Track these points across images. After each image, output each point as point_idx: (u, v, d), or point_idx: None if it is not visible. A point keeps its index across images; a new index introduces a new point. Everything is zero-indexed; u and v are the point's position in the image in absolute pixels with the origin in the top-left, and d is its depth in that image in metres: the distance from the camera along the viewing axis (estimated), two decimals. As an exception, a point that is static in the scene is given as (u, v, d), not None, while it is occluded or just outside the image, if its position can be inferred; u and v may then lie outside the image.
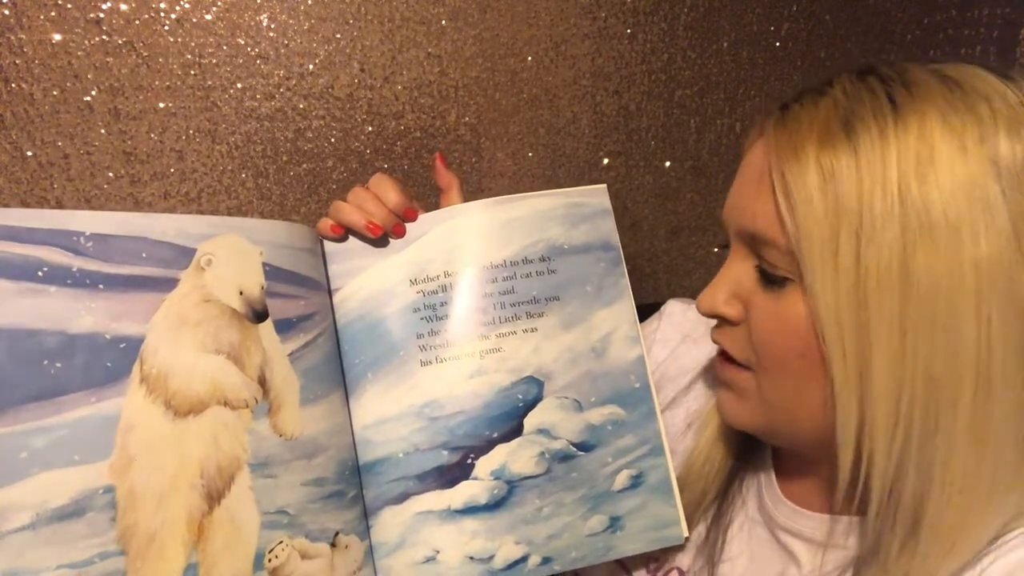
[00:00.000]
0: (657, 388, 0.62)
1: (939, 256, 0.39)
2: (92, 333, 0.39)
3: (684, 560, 0.58)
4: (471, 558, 0.51)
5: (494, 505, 0.52)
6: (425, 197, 0.85)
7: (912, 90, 0.41)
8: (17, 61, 0.74)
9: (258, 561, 0.44)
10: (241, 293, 0.45)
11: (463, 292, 0.53)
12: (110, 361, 0.40)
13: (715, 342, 0.52)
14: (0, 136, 0.75)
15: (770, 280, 0.45)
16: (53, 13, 0.74)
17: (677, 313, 0.68)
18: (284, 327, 0.48)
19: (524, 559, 0.52)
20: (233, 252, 0.45)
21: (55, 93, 0.76)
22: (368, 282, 0.54)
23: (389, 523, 0.52)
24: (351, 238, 0.54)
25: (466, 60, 0.85)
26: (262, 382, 0.46)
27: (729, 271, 0.49)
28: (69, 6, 0.74)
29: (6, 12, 0.73)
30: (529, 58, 0.87)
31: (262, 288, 0.47)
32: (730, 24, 0.91)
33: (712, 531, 0.57)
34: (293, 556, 0.45)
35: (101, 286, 0.40)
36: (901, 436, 0.41)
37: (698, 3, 0.90)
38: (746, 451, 0.58)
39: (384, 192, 0.53)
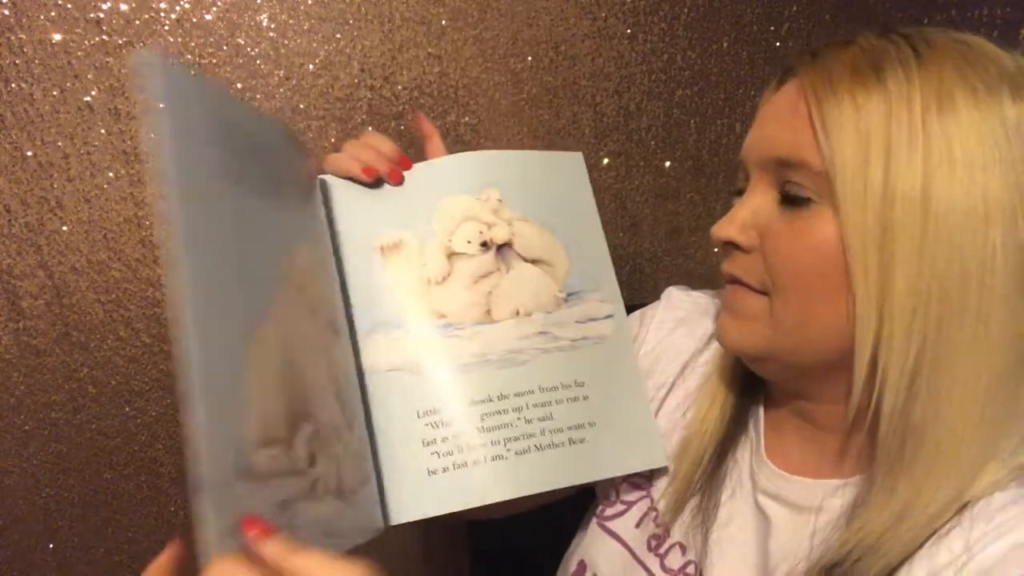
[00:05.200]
0: (651, 369, 0.64)
1: (955, 183, 0.43)
2: None
3: (684, 534, 0.60)
4: None
5: None
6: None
7: (931, 44, 0.47)
8: (17, 61, 0.74)
9: None
10: None
11: None
12: None
13: (726, 273, 0.53)
14: (0, 136, 0.75)
15: (793, 201, 0.48)
16: (53, 13, 0.74)
17: (675, 298, 0.70)
18: None
19: None
20: None
21: (55, 93, 0.76)
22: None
23: None
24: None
25: (466, 60, 0.85)
26: None
27: (747, 202, 0.51)
28: (69, 6, 0.74)
29: (6, 12, 0.73)
30: (529, 58, 0.87)
31: None
32: (730, 24, 0.91)
33: (705, 499, 0.58)
34: None
35: None
36: (915, 351, 0.45)
37: (698, 3, 0.90)
38: (742, 415, 0.60)
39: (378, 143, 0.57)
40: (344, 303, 0.55)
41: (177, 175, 0.37)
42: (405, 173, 0.56)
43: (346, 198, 0.56)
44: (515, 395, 0.54)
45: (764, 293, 0.50)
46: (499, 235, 0.56)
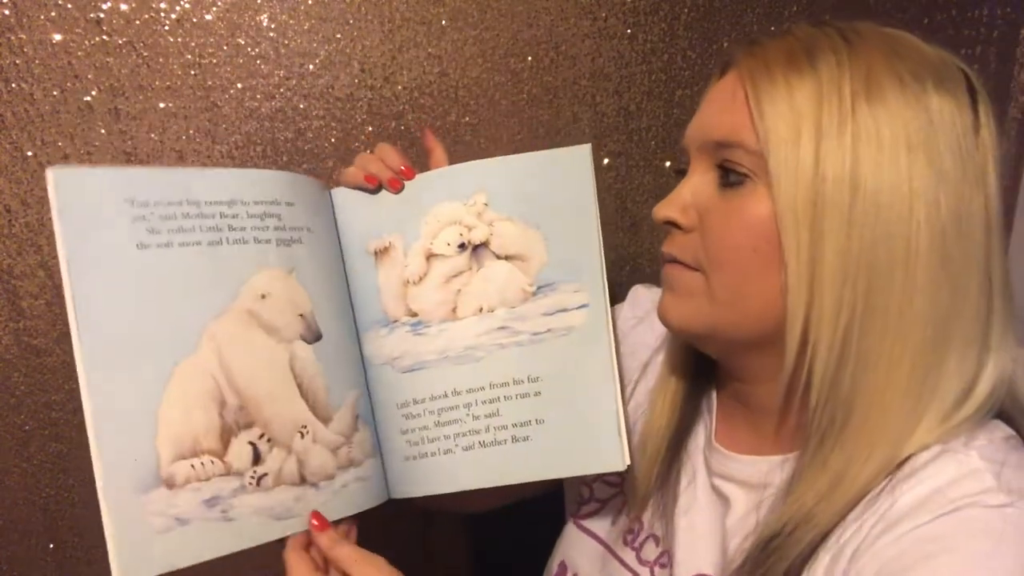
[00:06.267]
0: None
1: (882, 164, 0.46)
2: None
3: (653, 526, 0.61)
4: None
5: None
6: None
7: (861, 35, 0.49)
8: (17, 61, 0.74)
9: None
10: None
11: None
12: None
13: (665, 253, 0.55)
14: (0, 136, 0.75)
15: (730, 181, 0.50)
16: (53, 13, 0.74)
17: (639, 295, 0.73)
18: None
19: None
20: None
21: (55, 93, 0.76)
22: None
23: None
24: None
25: (466, 60, 0.85)
26: None
27: (687, 183, 0.53)
28: (69, 6, 0.74)
29: (6, 12, 0.73)
30: (529, 58, 0.87)
31: None
32: (730, 24, 0.92)
33: (664, 491, 0.60)
34: None
35: None
36: (844, 322, 0.47)
37: (698, 3, 0.90)
38: (696, 403, 0.62)
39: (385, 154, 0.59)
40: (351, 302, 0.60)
41: (69, 268, 0.46)
42: (406, 183, 0.58)
43: (350, 206, 0.59)
44: (467, 391, 0.57)
45: (698, 270, 0.52)
46: (477, 236, 0.57)
